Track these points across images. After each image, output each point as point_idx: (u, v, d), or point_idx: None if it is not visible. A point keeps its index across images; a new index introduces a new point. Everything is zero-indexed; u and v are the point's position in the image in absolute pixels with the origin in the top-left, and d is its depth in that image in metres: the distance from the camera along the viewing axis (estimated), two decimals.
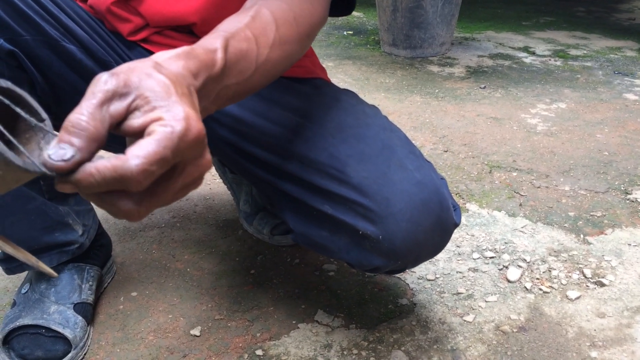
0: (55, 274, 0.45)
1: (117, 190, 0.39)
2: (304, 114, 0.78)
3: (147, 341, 0.88)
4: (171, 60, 0.45)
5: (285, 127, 0.77)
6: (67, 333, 0.82)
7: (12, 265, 0.86)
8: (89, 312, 0.89)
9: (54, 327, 0.82)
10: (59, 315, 0.84)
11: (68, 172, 0.37)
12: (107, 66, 0.76)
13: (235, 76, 0.53)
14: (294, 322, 0.93)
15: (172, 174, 0.40)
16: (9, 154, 0.35)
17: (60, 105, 0.75)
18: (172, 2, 0.76)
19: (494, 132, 1.67)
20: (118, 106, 0.39)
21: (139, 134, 0.39)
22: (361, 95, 0.80)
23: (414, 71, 2.26)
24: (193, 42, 0.80)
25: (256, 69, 0.56)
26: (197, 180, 0.43)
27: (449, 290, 1.00)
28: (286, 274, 1.05)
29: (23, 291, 0.88)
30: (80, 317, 0.85)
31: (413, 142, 0.85)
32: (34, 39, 0.68)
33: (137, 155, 0.37)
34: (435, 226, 0.71)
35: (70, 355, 0.81)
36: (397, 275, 1.04)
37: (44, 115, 0.40)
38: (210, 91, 0.48)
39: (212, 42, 0.51)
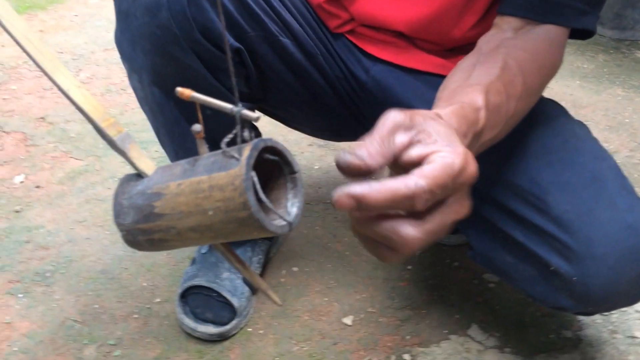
0: (280, 303, 0.49)
1: (393, 217, 0.41)
2: None
3: (302, 320, 0.93)
4: (450, 117, 0.48)
5: None
6: (234, 301, 0.89)
7: None
8: None
9: (224, 293, 0.89)
10: (229, 282, 0.91)
11: (358, 172, 0.40)
12: (313, 58, 0.79)
13: (490, 132, 0.53)
14: (445, 331, 0.91)
15: (441, 206, 0.42)
16: (266, 222, 0.39)
17: (265, 95, 0.81)
18: (384, 7, 0.76)
19: None
20: (403, 137, 0.43)
21: (417, 163, 0.42)
22: (551, 81, 0.69)
23: (619, 57, 2.00)
24: (398, 41, 0.80)
25: (505, 123, 0.56)
26: (458, 216, 0.44)
27: (623, 332, 0.90)
28: (443, 276, 1.03)
29: (202, 251, 0.97)
30: (247, 288, 0.92)
31: (605, 145, 0.76)
32: (257, 34, 0.72)
33: (425, 176, 0.40)
34: None
35: (234, 322, 0.88)
36: None
37: (297, 167, 0.44)
38: (471, 149, 0.49)
39: (476, 99, 0.52)
